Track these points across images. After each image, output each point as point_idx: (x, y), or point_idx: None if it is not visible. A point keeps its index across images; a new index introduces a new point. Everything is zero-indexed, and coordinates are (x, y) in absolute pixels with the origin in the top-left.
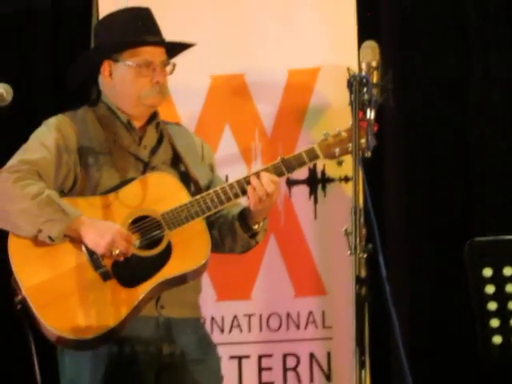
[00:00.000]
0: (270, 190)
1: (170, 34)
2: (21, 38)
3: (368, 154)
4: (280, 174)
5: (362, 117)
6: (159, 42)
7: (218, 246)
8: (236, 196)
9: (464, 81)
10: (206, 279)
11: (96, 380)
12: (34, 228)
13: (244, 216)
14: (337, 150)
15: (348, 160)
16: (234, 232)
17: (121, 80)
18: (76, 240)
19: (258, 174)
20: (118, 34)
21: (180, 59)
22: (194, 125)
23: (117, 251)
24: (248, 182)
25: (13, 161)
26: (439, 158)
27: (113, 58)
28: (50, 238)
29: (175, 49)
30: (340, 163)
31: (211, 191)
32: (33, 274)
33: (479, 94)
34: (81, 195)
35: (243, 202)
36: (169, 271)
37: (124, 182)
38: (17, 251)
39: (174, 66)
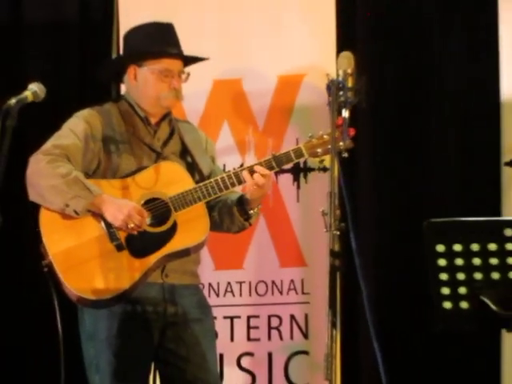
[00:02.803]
0: (261, 182)
1: (182, 45)
2: (53, 45)
3: (345, 155)
4: (270, 168)
5: (341, 123)
6: (178, 54)
7: (216, 226)
8: (232, 185)
9: (427, 87)
10: (205, 252)
11: (111, 334)
12: (62, 202)
13: (241, 202)
14: (319, 150)
15: (328, 157)
16: (232, 215)
17: (143, 82)
18: (97, 214)
19: (250, 168)
20: (145, 44)
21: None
22: (197, 120)
23: (131, 225)
24: (245, 174)
25: (47, 145)
26: (402, 153)
27: (138, 64)
28: (75, 211)
29: (191, 60)
30: (321, 161)
31: (212, 180)
32: (58, 242)
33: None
34: (103, 177)
35: (238, 189)
36: (174, 245)
37: (140, 168)
38: (46, 222)
39: (189, 75)
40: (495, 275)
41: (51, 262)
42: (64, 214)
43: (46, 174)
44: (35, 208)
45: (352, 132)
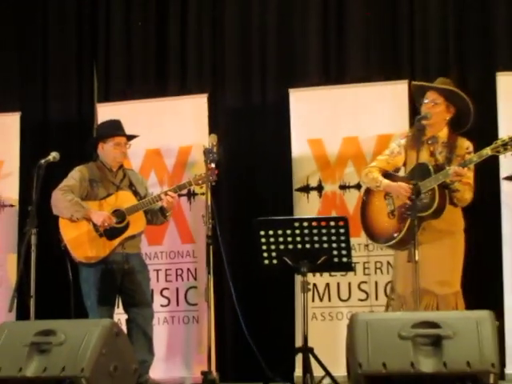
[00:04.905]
0: (171, 200)
1: (126, 129)
2: (65, 132)
3: (213, 183)
4: (175, 192)
5: (211, 168)
6: (124, 135)
7: (149, 222)
8: (157, 201)
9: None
10: (144, 236)
11: (96, 279)
12: (70, 214)
13: (162, 209)
14: (200, 182)
15: (205, 186)
16: (157, 216)
17: (107, 151)
18: (88, 219)
19: (165, 193)
20: (106, 131)
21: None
22: (138, 169)
23: (106, 224)
24: (163, 195)
25: (61, 185)
26: (244, 183)
27: (103, 141)
28: (77, 218)
29: (131, 137)
30: (202, 187)
31: (146, 199)
32: (69, 233)
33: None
34: (89, 200)
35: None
36: (128, 233)
37: (108, 195)
38: (62, 224)
39: (130, 145)
40: (290, 246)
41: (66, 244)
42: (71, 220)
43: (61, 200)
44: (56, 218)
45: (216, 172)
